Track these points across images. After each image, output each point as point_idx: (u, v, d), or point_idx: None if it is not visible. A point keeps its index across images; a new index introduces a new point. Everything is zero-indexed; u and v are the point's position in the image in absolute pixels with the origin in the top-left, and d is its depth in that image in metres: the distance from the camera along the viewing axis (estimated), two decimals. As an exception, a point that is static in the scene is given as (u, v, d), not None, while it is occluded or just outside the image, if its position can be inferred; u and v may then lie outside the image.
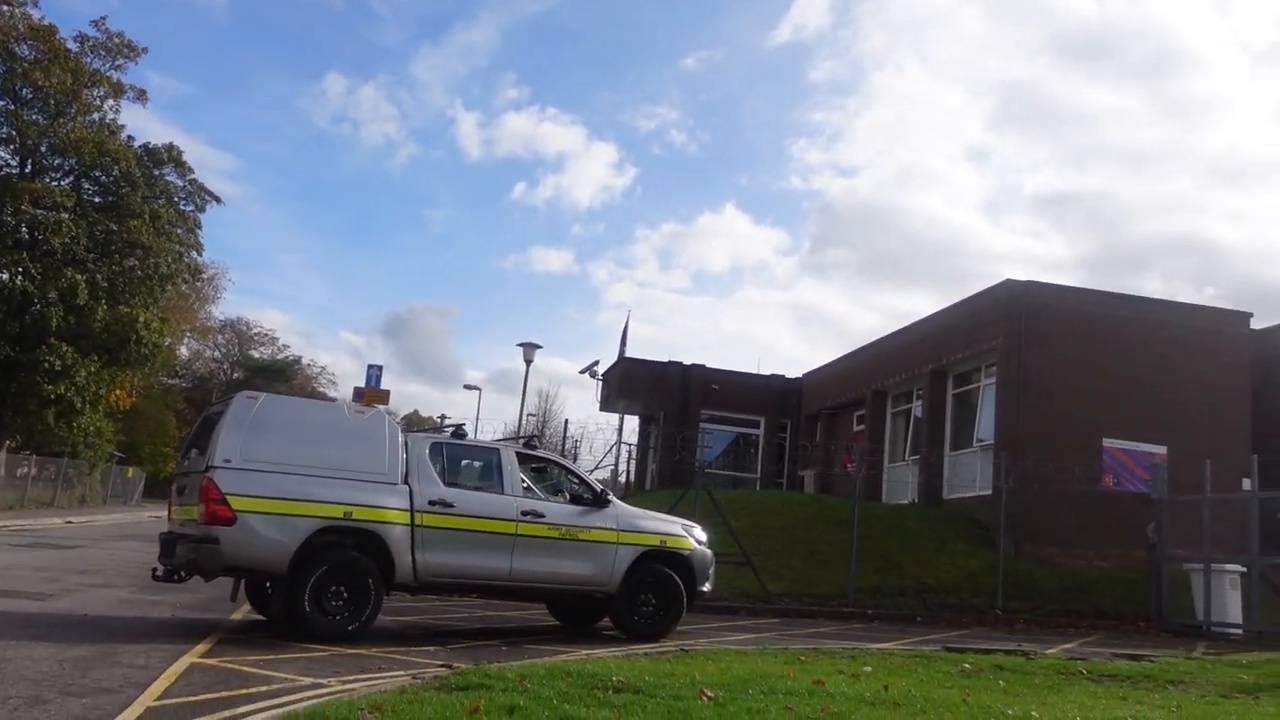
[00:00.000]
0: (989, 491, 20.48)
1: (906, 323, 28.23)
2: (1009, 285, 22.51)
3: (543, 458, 12.35)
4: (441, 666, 8.11)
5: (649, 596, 11.44)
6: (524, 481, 11.19)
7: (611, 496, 11.81)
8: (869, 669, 9.05)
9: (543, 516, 10.87)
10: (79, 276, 38.51)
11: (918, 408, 26.49)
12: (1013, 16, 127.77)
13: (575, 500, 11.55)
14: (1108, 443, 20.27)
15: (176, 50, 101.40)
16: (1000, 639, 14.22)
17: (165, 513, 12.11)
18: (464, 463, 11.28)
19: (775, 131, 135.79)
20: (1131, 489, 19.99)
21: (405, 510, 10.05)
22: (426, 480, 10.35)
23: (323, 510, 9.55)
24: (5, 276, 38.54)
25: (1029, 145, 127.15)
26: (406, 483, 10.20)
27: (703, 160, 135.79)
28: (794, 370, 36.16)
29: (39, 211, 38.49)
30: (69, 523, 30.21)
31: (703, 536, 12.25)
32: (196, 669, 7.52)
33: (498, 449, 11.40)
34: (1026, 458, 19.23)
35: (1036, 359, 21.53)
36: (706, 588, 12.06)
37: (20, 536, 22.56)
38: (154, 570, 10.24)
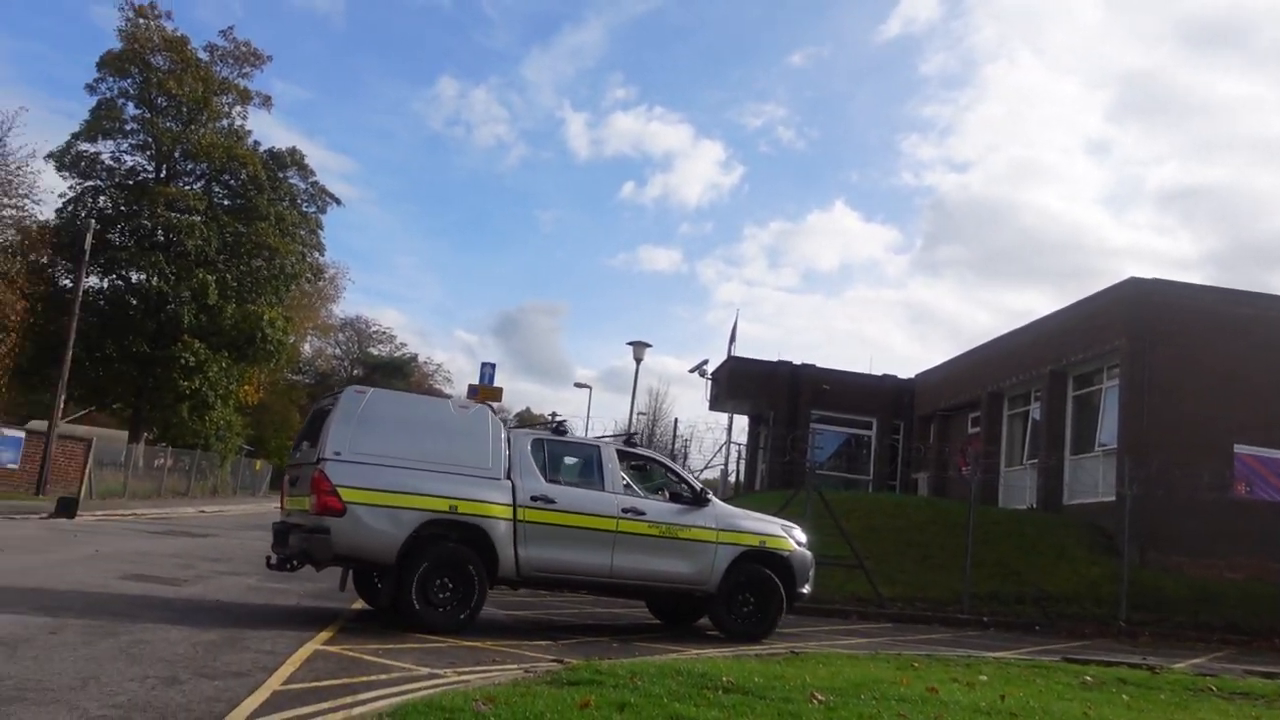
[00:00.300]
0: (1112, 497, 19.77)
1: (1023, 322, 27.51)
2: (1133, 283, 21.71)
3: (642, 455, 12.37)
4: (553, 661, 8.23)
5: (748, 597, 11.40)
6: (624, 479, 11.25)
7: (711, 495, 11.77)
8: (985, 678, 8.86)
9: (643, 514, 10.91)
10: (210, 277, 40.27)
11: (1036, 410, 25.75)
12: (1133, 4, 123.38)
13: (675, 498, 11.55)
14: (1239, 449, 19.34)
15: (298, 57, 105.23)
16: (1124, 651, 13.74)
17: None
18: (565, 459, 11.37)
19: (885, 127, 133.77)
20: (1266, 498, 19.05)
21: (508, 505, 10.19)
22: (529, 476, 10.47)
23: (429, 503, 9.74)
24: (143, 277, 40.50)
25: (1151, 137, 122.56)
26: (509, 478, 10.34)
27: (811, 157, 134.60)
28: (907, 370, 35.55)
29: (174, 214, 40.37)
30: (201, 512, 31.58)
31: (802, 538, 12.15)
32: (320, 655, 7.79)
33: (598, 446, 11.47)
34: (1152, 462, 18.48)
35: (1162, 360, 20.72)
36: (806, 590, 11.96)
37: (157, 524, 23.70)
38: (268, 558, 10.59)
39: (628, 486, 11.25)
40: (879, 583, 16.76)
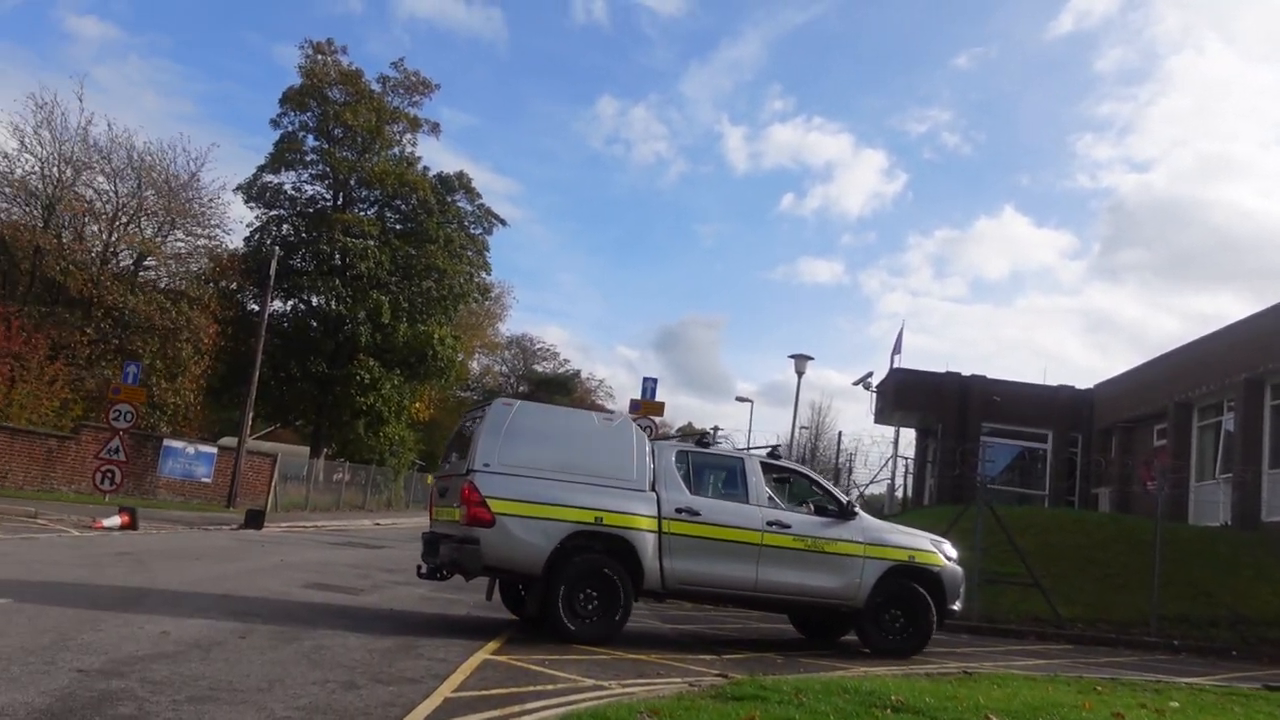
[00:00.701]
0: (1318, 514, 18.33)
1: (1214, 327, 25.86)
2: (1339, 284, 20.11)
3: (787, 467, 12.06)
4: (718, 676, 8.16)
5: (897, 613, 11.11)
6: (768, 491, 11.06)
7: (858, 509, 11.49)
8: (1175, 704, 8.29)
9: (788, 527, 10.72)
10: (383, 298, 42.08)
11: (1229, 421, 24.13)
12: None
13: (820, 511, 11.26)
14: None
15: (464, 85, 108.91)
16: (1335, 680, 12.65)
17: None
18: (709, 471, 11.23)
19: (1057, 128, 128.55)
20: None
21: (653, 517, 10.14)
22: (673, 488, 10.42)
23: (575, 515, 9.76)
24: (323, 300, 42.65)
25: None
26: (654, 490, 10.30)
27: (978, 162, 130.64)
28: (1084, 380, 34.02)
29: (350, 240, 42.40)
30: (377, 524, 32.87)
31: (952, 553, 11.79)
32: (489, 665, 7.95)
33: (742, 458, 11.32)
34: (1364, 477, 17.04)
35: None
36: (957, 606, 11.65)
37: (336, 536, 24.80)
38: (418, 567, 10.78)
39: (772, 499, 11.07)
40: (1057, 602, 15.98)
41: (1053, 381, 33.86)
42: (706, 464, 11.17)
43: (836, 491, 11.87)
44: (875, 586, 10.92)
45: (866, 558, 10.93)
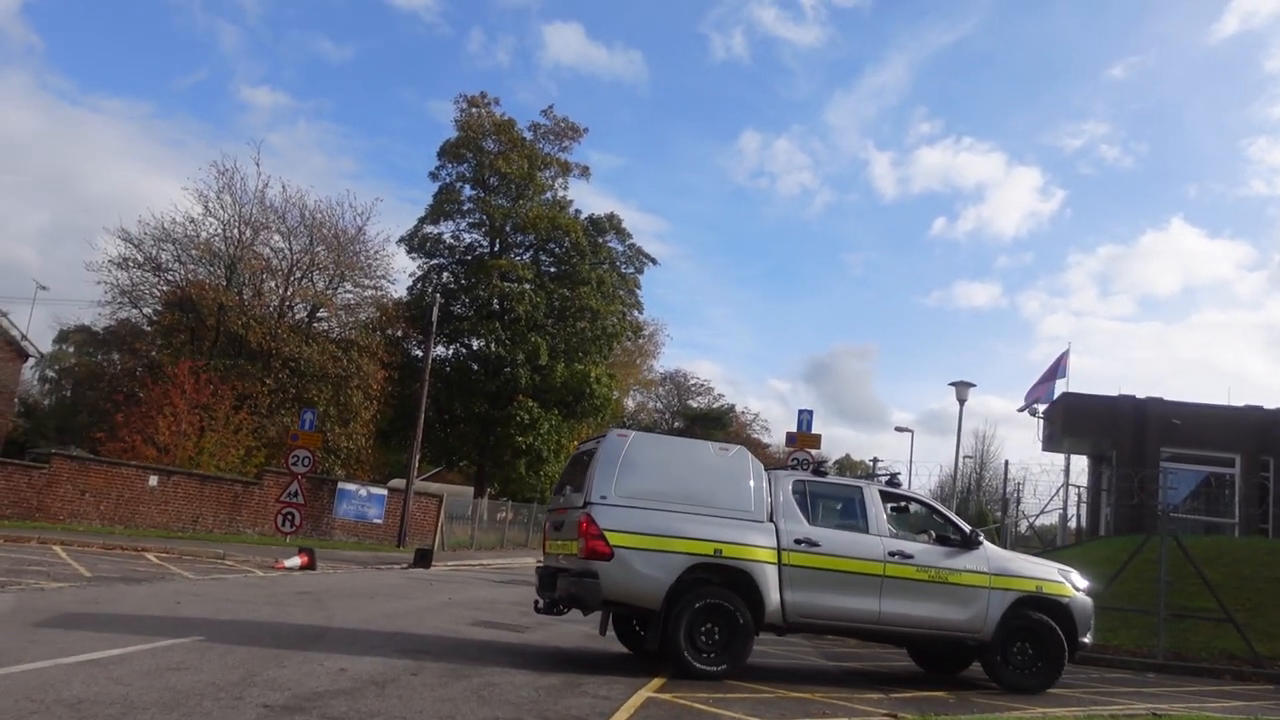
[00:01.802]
0: None
1: None
2: None
3: (905, 495, 11.61)
4: (886, 715, 7.96)
5: (1025, 645, 10.67)
6: (888, 521, 10.73)
7: (982, 538, 11.03)
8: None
9: (911, 558, 10.38)
10: (540, 340, 43.07)
11: None
12: None
13: (942, 541, 10.85)
14: None
15: (609, 126, 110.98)
16: None
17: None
18: (827, 501, 10.90)
19: (1226, 133, 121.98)
20: None
21: (773, 549, 9.93)
22: (792, 518, 10.19)
23: (694, 547, 9.59)
24: (483, 343, 44.00)
25: None
26: (772, 520, 10.10)
27: (1140, 174, 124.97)
28: (1272, 400, 31.77)
29: (507, 284, 43.66)
30: (539, 563, 33.36)
31: (1082, 583, 11.26)
32: (652, 703, 7.96)
33: (861, 487, 11.04)
34: None
35: None
36: (1088, 639, 11.16)
37: (500, 574, 25.34)
38: (536, 602, 10.74)
39: (892, 529, 10.73)
40: (1254, 639, 14.91)
41: (1237, 401, 31.82)
42: (824, 493, 10.86)
43: (958, 520, 11.42)
44: (1002, 618, 10.55)
45: (992, 588, 10.58)
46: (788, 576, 9.94)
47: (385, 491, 34.31)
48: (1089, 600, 11.26)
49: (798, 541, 10.06)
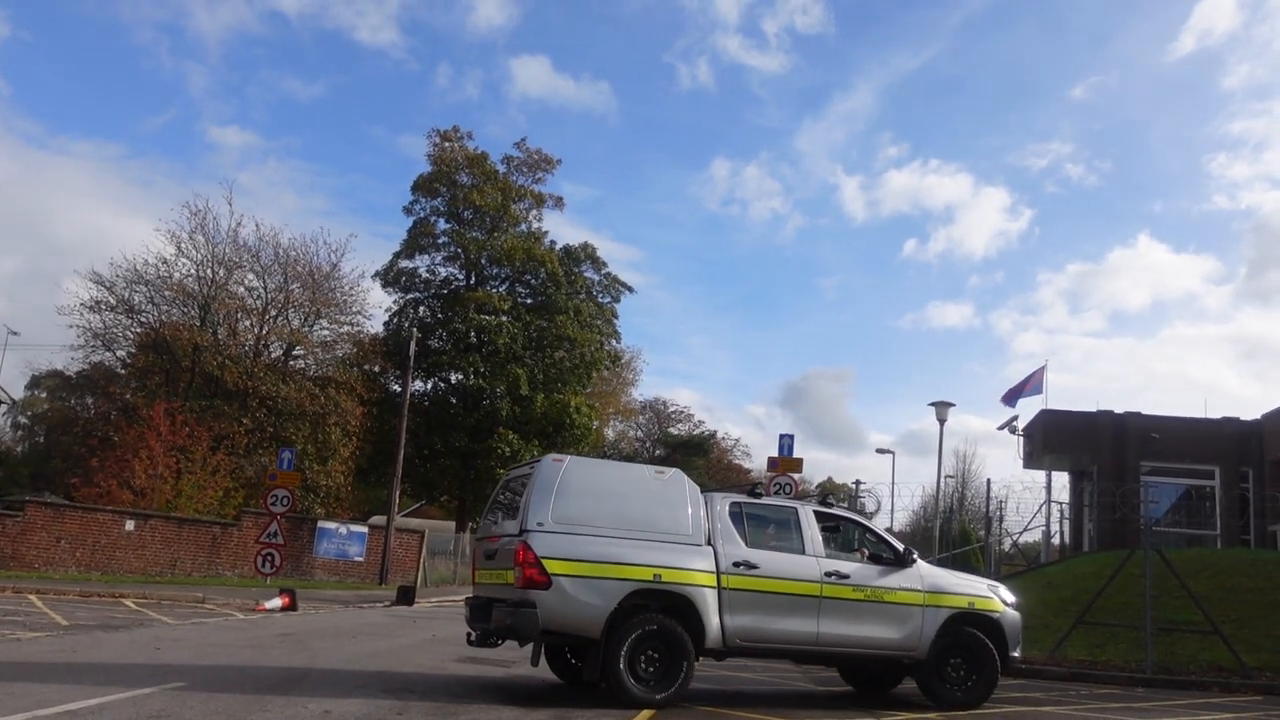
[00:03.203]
0: None
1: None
2: None
3: (838, 515, 11.47)
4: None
5: (959, 661, 10.70)
6: (824, 541, 10.65)
7: (915, 555, 11.03)
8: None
9: (847, 577, 10.34)
10: (520, 370, 42.92)
11: None
12: None
13: (875, 560, 10.83)
14: None
15: (580, 158, 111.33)
16: None
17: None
18: (763, 523, 10.72)
19: (1188, 150, 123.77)
20: None
21: (712, 572, 9.78)
22: (729, 541, 10.05)
23: (633, 573, 9.39)
24: (461, 376, 43.83)
25: None
26: (710, 544, 9.97)
27: (1105, 192, 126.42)
28: (1249, 411, 32.04)
29: (483, 317, 43.56)
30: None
31: (1010, 598, 11.34)
32: (642, 735, 7.85)
33: (795, 508, 10.94)
34: None
35: None
36: (1017, 653, 11.21)
37: (485, 608, 25.05)
38: (468, 635, 10.50)
39: (828, 549, 10.65)
40: (1240, 650, 14.94)
41: (1214, 414, 32.09)
42: (760, 515, 10.69)
43: (891, 538, 11.42)
44: (937, 635, 10.55)
45: (926, 606, 10.58)
46: (727, 600, 9.79)
47: (366, 529, 34.01)
48: (1017, 615, 11.34)
49: (736, 564, 9.93)
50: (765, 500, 11.01)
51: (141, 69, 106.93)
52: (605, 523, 9.58)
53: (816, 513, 10.88)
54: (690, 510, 10.02)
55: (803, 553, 10.37)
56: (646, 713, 9.00)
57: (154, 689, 8.62)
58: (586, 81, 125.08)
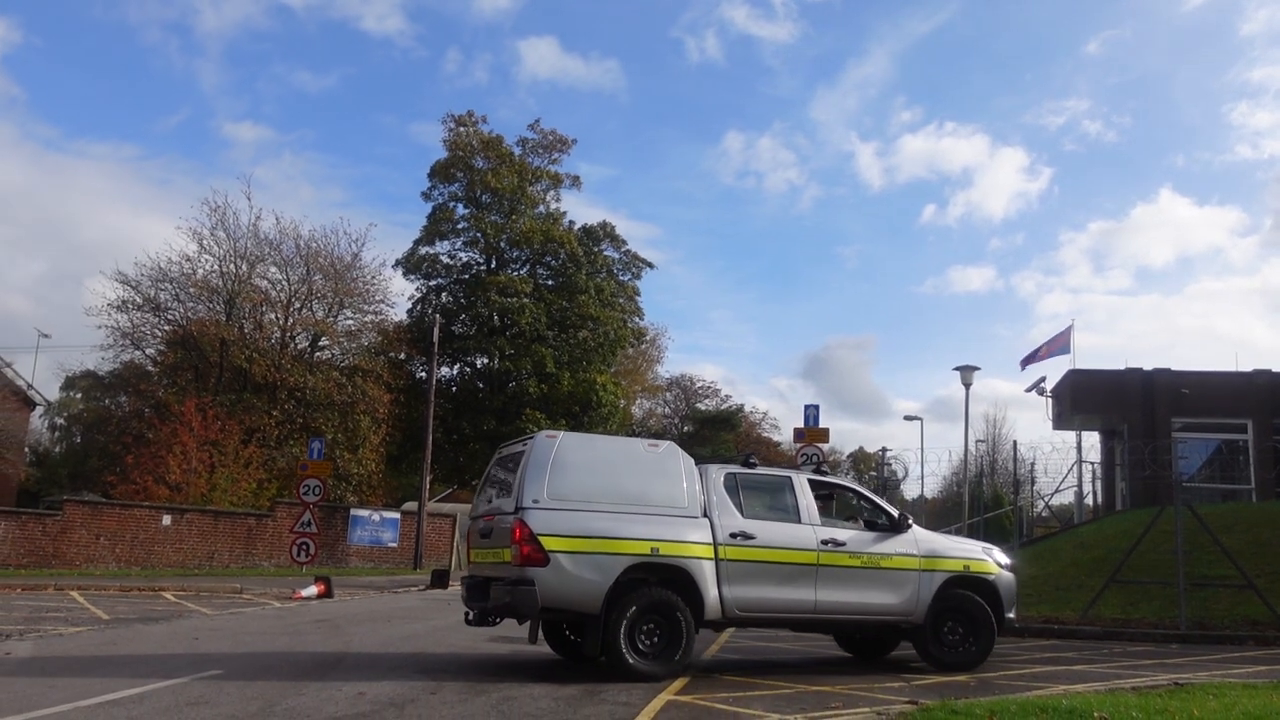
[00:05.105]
0: None
1: None
2: None
3: (833, 483, 11.56)
4: (907, 703, 7.91)
5: (955, 625, 10.75)
6: (819, 509, 10.68)
7: (910, 520, 11.03)
8: None
9: (843, 545, 10.36)
10: (545, 350, 43.05)
11: None
12: None
13: (870, 526, 10.85)
14: None
15: (594, 137, 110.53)
16: None
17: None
18: (758, 493, 10.72)
19: (1208, 100, 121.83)
20: None
21: (709, 544, 9.80)
22: (725, 512, 10.07)
23: (631, 547, 9.41)
24: (486, 360, 44.02)
25: None
26: (706, 516, 9.99)
27: (1125, 147, 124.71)
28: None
29: (505, 299, 43.66)
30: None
31: (1004, 559, 11.39)
32: (673, 705, 7.93)
33: (790, 477, 10.92)
34: None
35: None
36: (1012, 615, 11.31)
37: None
38: (466, 614, 10.46)
39: (823, 516, 10.70)
40: (1276, 603, 14.85)
41: (1245, 367, 31.71)
42: (755, 485, 10.67)
43: (885, 504, 11.43)
44: (934, 599, 10.60)
45: (923, 570, 10.64)
46: (725, 571, 9.83)
47: (398, 515, 34.34)
48: (1012, 576, 11.40)
49: (733, 535, 9.96)
50: (759, 470, 10.97)
51: (152, 69, 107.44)
52: (601, 497, 9.61)
53: (811, 480, 10.92)
54: (685, 483, 10.05)
55: (799, 521, 10.42)
56: (678, 683, 9.08)
57: (192, 677, 8.79)
58: (595, 60, 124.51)
